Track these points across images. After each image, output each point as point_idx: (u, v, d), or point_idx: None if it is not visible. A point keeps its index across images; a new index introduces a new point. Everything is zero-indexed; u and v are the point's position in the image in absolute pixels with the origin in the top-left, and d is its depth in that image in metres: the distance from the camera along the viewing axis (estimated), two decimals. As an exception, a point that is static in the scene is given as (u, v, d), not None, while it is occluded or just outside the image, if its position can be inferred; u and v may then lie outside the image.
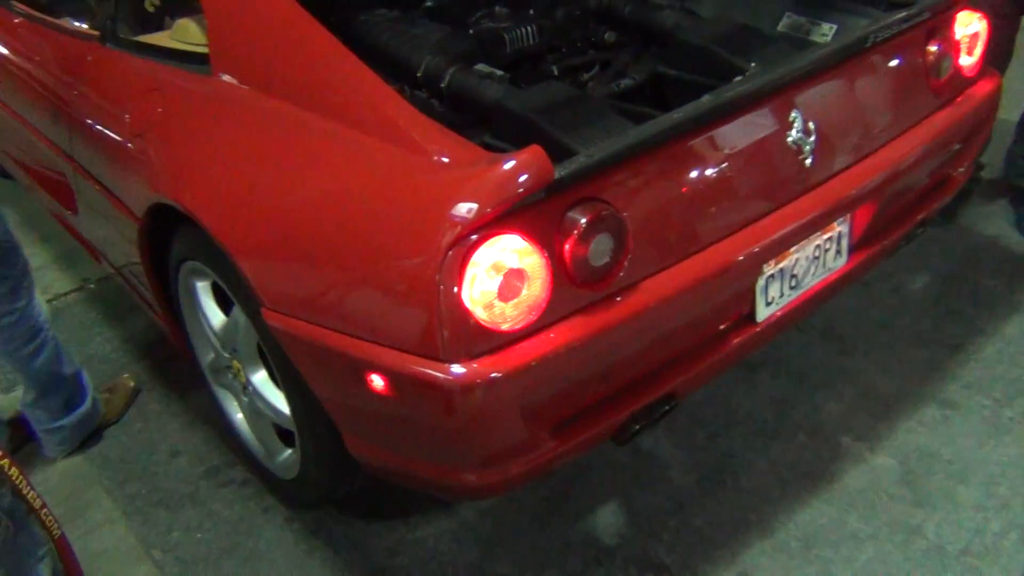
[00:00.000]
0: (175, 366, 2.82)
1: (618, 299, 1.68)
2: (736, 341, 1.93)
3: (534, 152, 1.51)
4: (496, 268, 1.52)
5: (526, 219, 1.56)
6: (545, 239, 1.58)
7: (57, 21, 2.89)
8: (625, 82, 2.32)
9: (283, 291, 1.79)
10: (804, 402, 2.44)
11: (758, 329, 1.95)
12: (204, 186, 1.96)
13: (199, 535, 2.24)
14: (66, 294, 3.31)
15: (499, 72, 2.20)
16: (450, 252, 1.51)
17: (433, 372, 1.56)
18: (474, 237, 1.51)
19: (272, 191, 1.84)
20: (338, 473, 2.03)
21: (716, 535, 2.09)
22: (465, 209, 1.51)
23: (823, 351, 2.61)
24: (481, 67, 2.23)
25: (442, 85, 2.19)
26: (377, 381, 1.65)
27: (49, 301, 3.26)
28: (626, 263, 1.67)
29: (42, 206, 3.35)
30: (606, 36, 2.58)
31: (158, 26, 2.65)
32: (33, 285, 2.35)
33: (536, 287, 1.57)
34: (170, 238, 2.18)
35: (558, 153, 1.65)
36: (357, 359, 1.67)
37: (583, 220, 1.58)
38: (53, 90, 2.67)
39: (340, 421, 1.86)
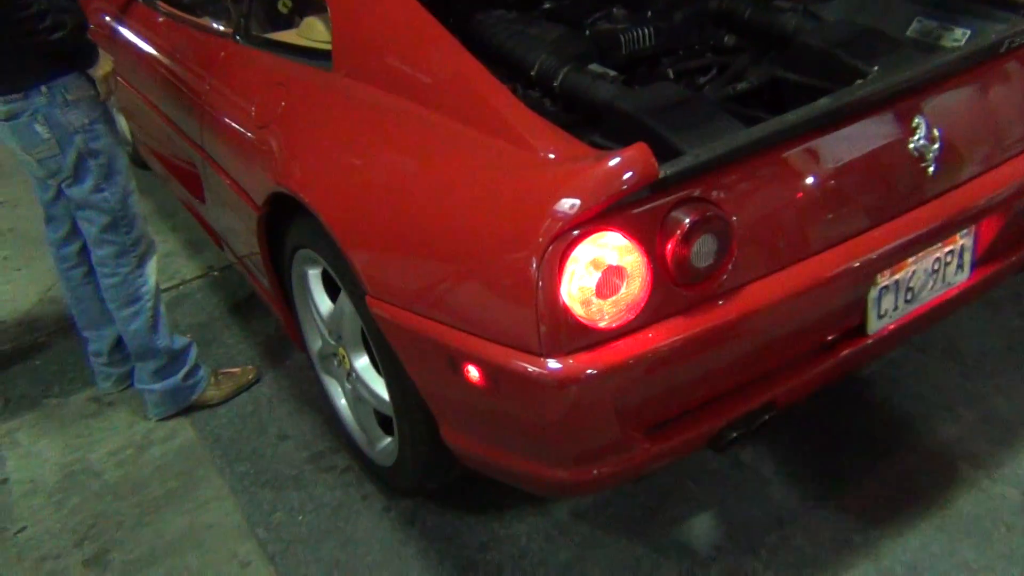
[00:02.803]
0: (289, 354, 2.92)
1: (720, 302, 1.64)
2: (844, 353, 1.86)
3: (639, 149, 1.50)
4: (596, 264, 1.52)
5: (629, 217, 1.55)
6: (647, 238, 1.56)
7: (197, 20, 3.05)
8: (741, 85, 2.27)
9: (387, 280, 1.83)
10: (920, 423, 2.33)
11: (868, 342, 1.88)
12: (319, 177, 2.02)
13: (301, 517, 2.31)
14: (191, 280, 3.47)
15: (612, 72, 2.19)
16: (550, 247, 1.51)
17: (529, 366, 1.57)
18: (575, 233, 1.51)
19: (382, 183, 1.88)
20: (434, 462, 2.05)
21: (817, 554, 2.01)
22: (567, 204, 1.50)
23: (943, 371, 2.49)
24: (594, 67, 2.23)
25: (555, 84, 2.20)
26: (473, 372, 1.67)
27: (176, 286, 3.44)
28: (730, 266, 1.63)
29: (175, 196, 3.53)
30: (724, 39, 2.54)
31: (289, 25, 2.75)
32: (147, 259, 2.58)
33: (635, 285, 1.55)
34: (287, 227, 2.26)
35: (667, 153, 1.64)
36: (455, 349, 1.69)
37: (687, 220, 1.55)
38: (189, 84, 2.81)
39: (436, 410, 1.88)
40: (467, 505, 2.26)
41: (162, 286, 3.33)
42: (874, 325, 1.88)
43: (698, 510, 2.16)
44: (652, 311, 1.58)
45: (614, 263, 1.52)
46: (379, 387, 2.13)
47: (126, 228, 2.49)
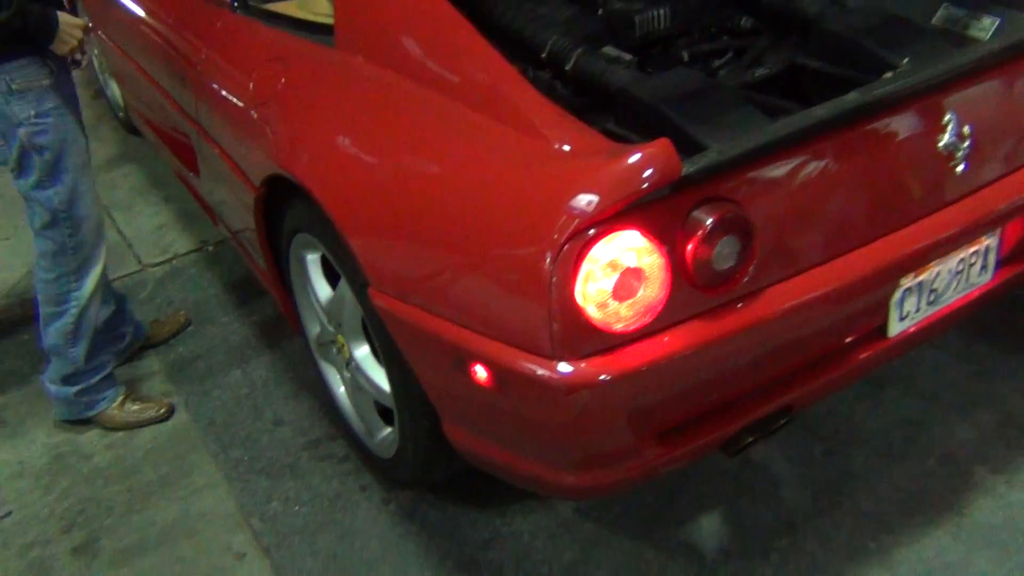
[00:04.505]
0: (285, 335, 2.85)
1: (740, 305, 1.58)
2: (863, 356, 1.81)
3: (662, 146, 1.41)
4: (613, 266, 1.44)
5: (648, 216, 1.47)
6: (667, 238, 1.48)
7: (193, -14, 2.93)
8: (760, 71, 2.18)
9: (390, 271, 1.76)
10: (936, 425, 2.27)
11: (888, 344, 1.82)
12: (320, 160, 1.94)
13: (297, 507, 2.25)
14: (185, 254, 3.39)
15: (627, 56, 2.10)
16: (566, 246, 1.43)
17: (539, 369, 1.50)
18: (592, 232, 1.43)
19: (386, 169, 1.80)
20: (435, 456, 1.99)
21: (830, 561, 1.96)
22: (585, 202, 1.43)
23: (959, 372, 2.43)
24: (608, 49, 2.13)
25: (567, 67, 2.10)
26: (481, 372, 1.61)
27: (169, 260, 3.35)
28: (751, 268, 1.56)
29: (168, 166, 3.43)
30: (742, 22, 2.44)
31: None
32: (88, 266, 2.42)
33: (654, 288, 1.48)
34: (285, 208, 2.18)
35: (685, 146, 1.56)
36: (462, 348, 1.62)
37: (708, 220, 1.48)
38: (184, 54, 2.71)
39: (440, 406, 1.82)
40: (469, 499, 2.20)
41: (155, 260, 3.27)
42: (895, 327, 1.81)
43: (707, 511, 2.11)
44: (670, 314, 1.52)
45: (632, 264, 1.45)
46: (379, 378, 2.07)
47: (69, 230, 2.35)
